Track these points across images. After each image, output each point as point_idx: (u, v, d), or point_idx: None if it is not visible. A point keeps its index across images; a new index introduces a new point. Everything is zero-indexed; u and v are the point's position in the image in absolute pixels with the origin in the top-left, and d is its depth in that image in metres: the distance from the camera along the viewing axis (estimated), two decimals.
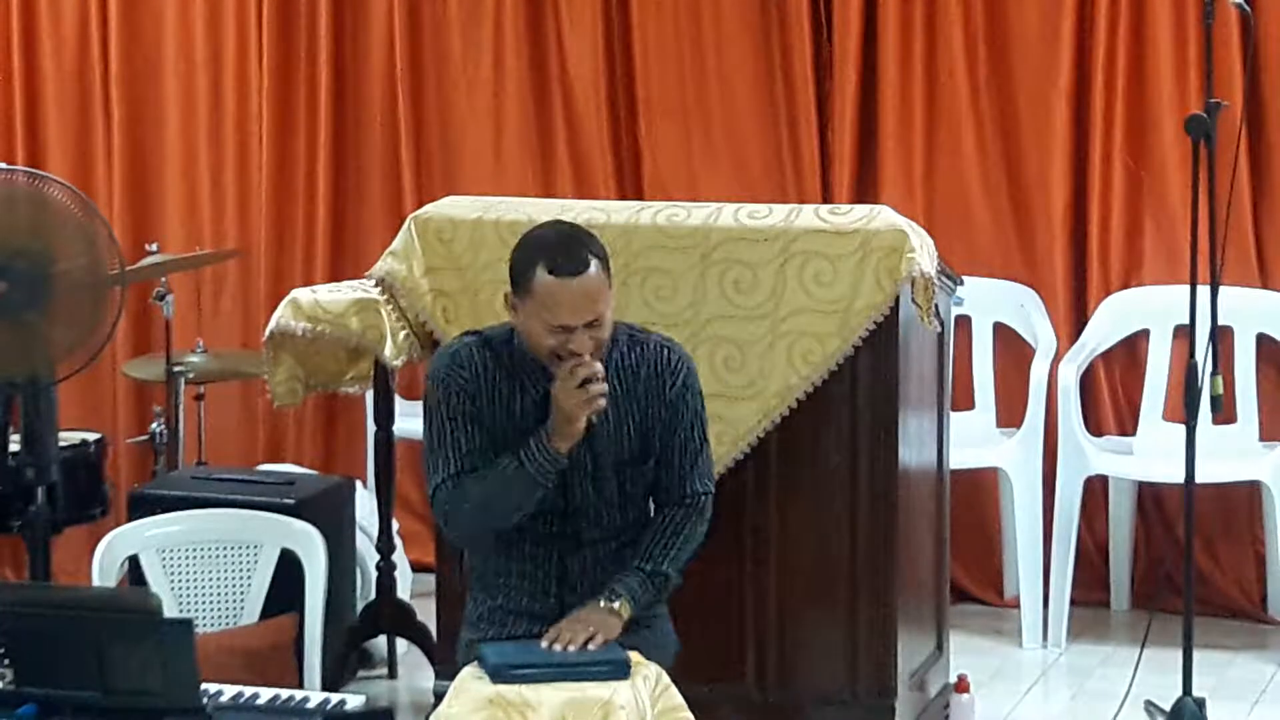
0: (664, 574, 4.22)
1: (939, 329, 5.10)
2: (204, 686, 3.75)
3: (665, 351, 4.29)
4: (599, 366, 4.12)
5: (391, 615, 5.86)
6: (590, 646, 4.05)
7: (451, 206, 5.23)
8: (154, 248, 6.66)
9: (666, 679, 4.08)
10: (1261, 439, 6.35)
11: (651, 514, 4.34)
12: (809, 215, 4.91)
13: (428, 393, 4.31)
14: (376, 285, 5.16)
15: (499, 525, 4.23)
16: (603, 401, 4.11)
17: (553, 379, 4.16)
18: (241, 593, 4.73)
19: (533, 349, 4.19)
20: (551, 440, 4.12)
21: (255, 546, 4.73)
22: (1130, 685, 5.50)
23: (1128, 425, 6.54)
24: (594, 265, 4.12)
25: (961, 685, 5.35)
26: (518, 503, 4.18)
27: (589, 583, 4.24)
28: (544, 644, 4.07)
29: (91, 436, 6.35)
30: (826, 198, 6.70)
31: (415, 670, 5.94)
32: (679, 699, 4.08)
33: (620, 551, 4.27)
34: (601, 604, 4.15)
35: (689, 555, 4.29)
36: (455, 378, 4.24)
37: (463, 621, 4.42)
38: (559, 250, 4.13)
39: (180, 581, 4.72)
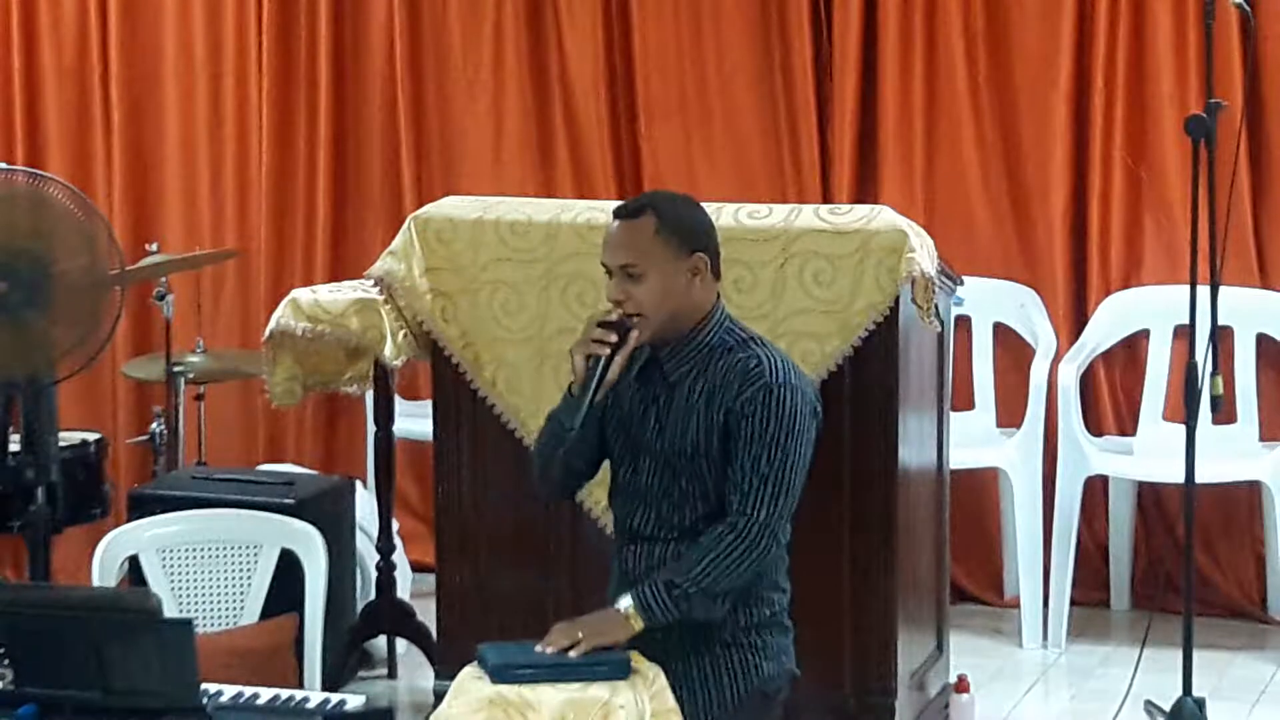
0: (682, 589, 3.96)
1: (939, 329, 5.10)
2: (204, 686, 3.75)
3: (754, 362, 4.03)
4: (610, 318, 4.04)
5: (391, 615, 5.86)
6: (571, 654, 4.01)
7: (451, 206, 5.23)
8: (154, 248, 6.66)
9: (663, 679, 4.07)
10: (1261, 439, 6.36)
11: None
12: (809, 215, 4.91)
13: None
14: (375, 285, 5.16)
15: (542, 463, 4.21)
16: (599, 347, 4.02)
17: (649, 364, 4.11)
18: (241, 593, 4.73)
19: None
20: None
21: (255, 546, 4.73)
22: (1130, 685, 5.50)
23: (1128, 425, 6.55)
24: (648, 217, 4.06)
25: (961, 685, 5.35)
26: (551, 438, 4.16)
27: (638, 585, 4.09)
28: (538, 647, 4.04)
29: (91, 436, 6.35)
30: (826, 198, 6.70)
31: (415, 670, 5.94)
32: (672, 701, 4.06)
33: (677, 556, 4.10)
34: (611, 608, 4.08)
35: (725, 581, 3.97)
36: None
37: None
38: (633, 199, 4.19)
39: (180, 581, 4.71)
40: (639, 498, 4.14)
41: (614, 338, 4.04)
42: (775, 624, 4.14)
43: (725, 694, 4.09)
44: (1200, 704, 5.30)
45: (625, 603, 4.02)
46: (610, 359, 4.05)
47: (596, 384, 4.05)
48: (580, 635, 4.00)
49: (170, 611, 4.41)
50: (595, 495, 5.00)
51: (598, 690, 3.94)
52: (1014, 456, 6.33)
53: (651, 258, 4.05)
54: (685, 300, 4.07)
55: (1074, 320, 6.62)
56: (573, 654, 3.96)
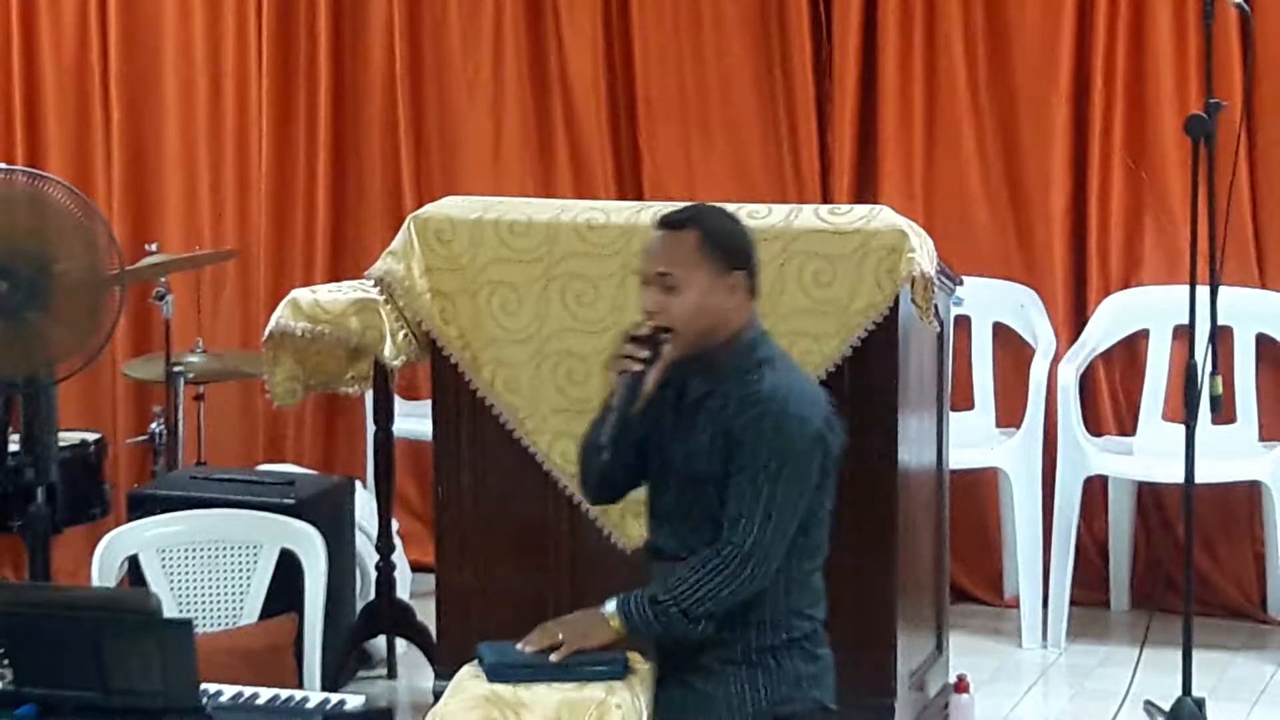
0: (663, 606, 3.94)
1: (939, 329, 5.10)
2: (204, 686, 3.75)
3: (755, 385, 3.99)
4: (642, 331, 4.02)
5: (391, 615, 5.86)
6: (552, 656, 3.99)
7: (451, 207, 5.23)
8: (154, 248, 6.66)
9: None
10: (1261, 439, 6.36)
11: None
12: (809, 215, 4.91)
13: None
14: (375, 285, 5.16)
15: (584, 470, 4.20)
16: (630, 364, 4.00)
17: (683, 377, 4.09)
18: (241, 593, 4.73)
19: None
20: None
21: (255, 546, 4.73)
22: (1130, 685, 5.50)
23: (1127, 425, 6.55)
24: (693, 230, 4.04)
25: (961, 685, 5.34)
26: (590, 448, 4.14)
27: None
28: (518, 645, 4.02)
29: (91, 436, 6.35)
30: (826, 198, 6.70)
31: (415, 670, 5.94)
32: None
33: None
34: (595, 609, 4.05)
35: (706, 605, 3.94)
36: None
37: None
38: (680, 209, 4.16)
39: (180, 581, 4.71)
40: (665, 517, 4.13)
41: (645, 353, 4.01)
42: (795, 649, 4.08)
43: (734, 711, 4.05)
44: (1200, 704, 5.30)
45: (610, 607, 4.01)
46: (643, 374, 4.02)
47: (629, 399, 4.03)
48: (560, 637, 3.99)
49: (170, 611, 4.41)
50: None
51: (594, 690, 3.94)
52: (1014, 456, 6.33)
53: (691, 271, 4.02)
54: (719, 317, 4.04)
55: (1074, 320, 6.61)
56: (553, 657, 3.96)
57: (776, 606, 4.04)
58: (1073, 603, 6.30)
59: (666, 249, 4.05)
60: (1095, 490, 6.47)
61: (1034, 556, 6.29)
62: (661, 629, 3.99)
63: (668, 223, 4.09)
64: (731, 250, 4.07)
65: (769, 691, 4.05)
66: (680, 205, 4.27)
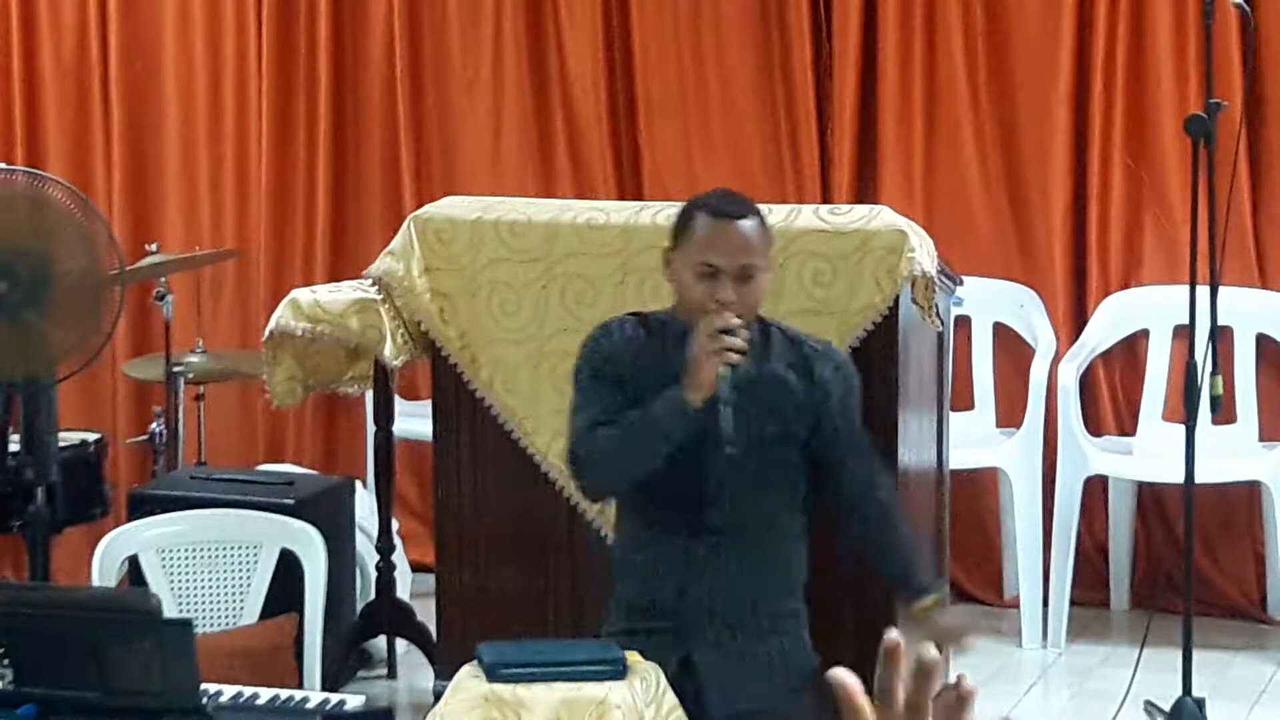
0: (940, 573, 4.31)
1: (939, 329, 5.10)
2: (204, 686, 3.75)
3: (828, 349, 4.29)
4: (738, 320, 4.03)
5: (391, 615, 5.86)
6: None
7: (451, 207, 5.23)
8: (154, 248, 6.66)
9: (663, 680, 4.07)
10: (1261, 439, 6.35)
11: (798, 512, 4.28)
12: (809, 215, 4.91)
13: (576, 363, 4.28)
14: (374, 285, 5.16)
15: (626, 474, 4.18)
16: (734, 356, 4.00)
17: None
18: (241, 593, 4.73)
19: (683, 307, 4.15)
20: (684, 390, 4.04)
21: (255, 546, 4.73)
22: (1130, 685, 5.50)
23: (1127, 425, 6.55)
24: (756, 219, 4.13)
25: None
26: (645, 448, 4.09)
27: (715, 575, 4.16)
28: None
29: (91, 436, 6.35)
30: (826, 198, 6.70)
31: (415, 670, 5.94)
32: (674, 700, 4.07)
33: (758, 545, 4.19)
34: (942, 603, 4.17)
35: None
36: (600, 343, 4.24)
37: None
38: (725, 199, 4.19)
39: (180, 581, 4.71)
40: (731, 491, 4.17)
41: (741, 344, 4.02)
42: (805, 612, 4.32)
43: (790, 672, 4.22)
44: (1200, 704, 5.30)
45: (929, 593, 4.17)
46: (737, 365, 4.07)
47: (731, 391, 4.03)
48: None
49: (170, 611, 4.41)
50: None
51: (593, 690, 3.94)
52: (1014, 456, 6.33)
53: (762, 258, 4.13)
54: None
55: (1074, 320, 6.61)
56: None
57: (803, 570, 4.27)
58: (1073, 603, 6.30)
59: (747, 239, 4.10)
60: (1095, 490, 6.47)
61: (1034, 556, 6.29)
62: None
63: (736, 213, 4.12)
64: (772, 235, 4.20)
65: (809, 652, 4.26)
66: (717, 195, 4.27)
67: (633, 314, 4.35)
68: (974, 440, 6.34)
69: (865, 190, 6.72)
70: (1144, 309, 6.47)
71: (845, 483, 4.25)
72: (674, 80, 6.91)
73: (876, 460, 4.33)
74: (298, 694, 3.96)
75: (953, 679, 1.81)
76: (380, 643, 6.00)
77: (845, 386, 4.25)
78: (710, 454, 4.12)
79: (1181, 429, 5.31)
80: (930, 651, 1.79)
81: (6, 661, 3.74)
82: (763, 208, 4.93)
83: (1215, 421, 5.94)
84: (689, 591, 4.17)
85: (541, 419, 5.07)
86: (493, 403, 5.12)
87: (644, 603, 4.23)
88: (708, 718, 4.14)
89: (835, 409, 4.22)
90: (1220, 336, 5.33)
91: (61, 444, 5.92)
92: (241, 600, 4.73)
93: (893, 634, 1.80)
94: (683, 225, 4.18)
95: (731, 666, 4.18)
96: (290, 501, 5.47)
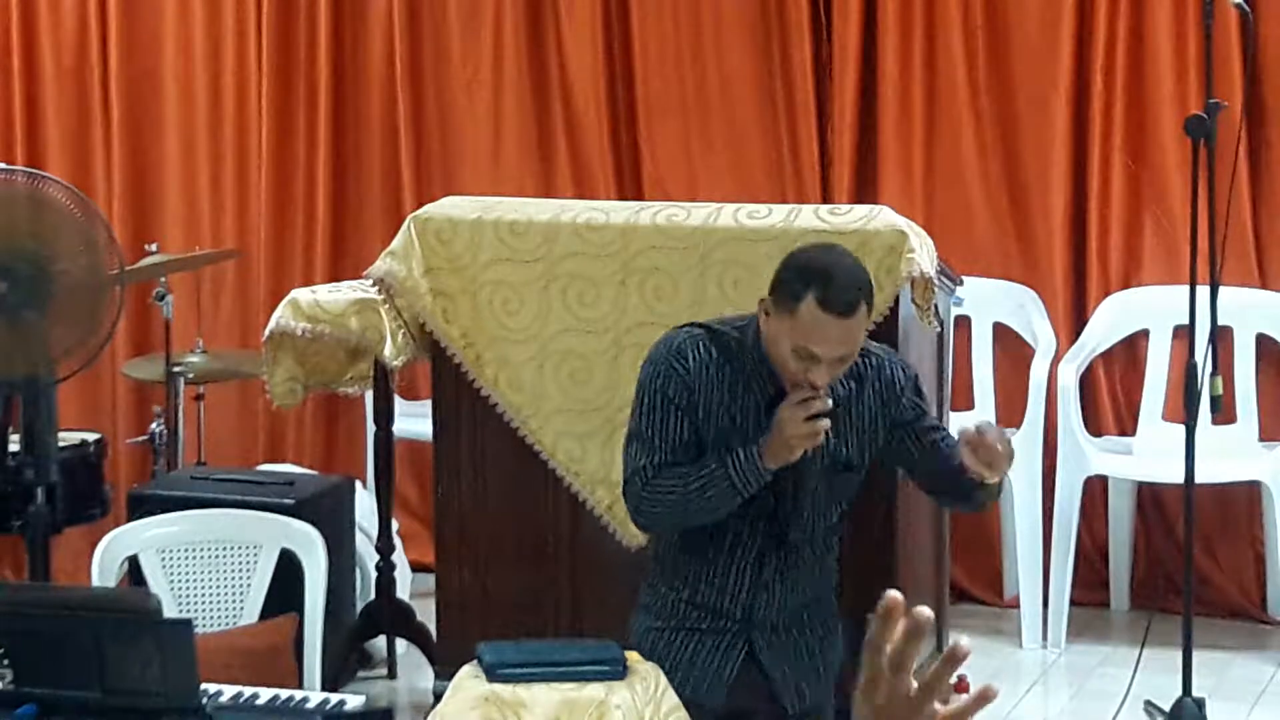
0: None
1: (939, 329, 5.09)
2: (204, 686, 3.75)
3: (881, 361, 4.23)
4: (829, 404, 4.01)
5: (391, 615, 5.86)
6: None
7: (451, 207, 5.23)
8: (154, 248, 6.67)
9: (665, 681, 4.07)
10: (1261, 439, 6.35)
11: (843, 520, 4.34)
12: (809, 215, 4.91)
13: (643, 378, 4.17)
14: (375, 285, 5.16)
15: (690, 524, 4.15)
16: (822, 439, 4.02)
17: (781, 388, 4.06)
18: (241, 593, 4.73)
19: (771, 357, 4.07)
20: (763, 457, 4.01)
21: (255, 546, 4.73)
22: (1130, 685, 5.50)
23: (1127, 425, 6.55)
24: (862, 309, 3.98)
25: (961, 685, 5.28)
26: (714, 506, 4.07)
27: (783, 584, 4.19)
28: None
29: (91, 436, 6.35)
30: (826, 198, 6.70)
31: (415, 670, 5.94)
32: (675, 699, 4.07)
33: (816, 555, 4.23)
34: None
35: None
36: (675, 368, 4.10)
37: (638, 607, 4.31)
38: (837, 285, 3.96)
39: (180, 581, 4.71)
40: (786, 516, 4.18)
41: (828, 422, 4.01)
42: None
43: (830, 667, 4.28)
44: (1200, 704, 5.30)
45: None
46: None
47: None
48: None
49: (170, 611, 4.41)
50: (599, 494, 5.01)
51: (593, 690, 3.94)
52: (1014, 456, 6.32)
53: (861, 341, 4.07)
54: None
55: (1074, 320, 6.61)
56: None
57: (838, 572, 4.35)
58: (1073, 603, 6.30)
59: (849, 334, 3.98)
60: (1095, 490, 6.47)
61: (1034, 556, 6.29)
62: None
63: (844, 310, 3.96)
64: (873, 295, 4.10)
65: (841, 651, 4.30)
66: (829, 272, 4.02)
67: (698, 327, 4.20)
68: None
69: (865, 190, 6.72)
70: (1144, 309, 6.47)
71: (940, 455, 4.25)
72: (674, 80, 6.91)
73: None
74: (298, 694, 3.96)
75: (953, 679, 1.81)
76: (380, 643, 6.00)
77: (907, 376, 4.27)
78: (798, 478, 4.15)
79: (1181, 429, 5.31)
80: (924, 611, 1.83)
81: (6, 661, 3.74)
82: (762, 208, 4.97)
83: (1215, 421, 5.94)
84: (759, 596, 4.20)
85: (546, 418, 5.07)
86: (498, 401, 5.11)
87: (711, 604, 4.21)
88: (780, 708, 4.19)
89: (908, 402, 4.25)
90: (1220, 336, 5.33)
91: (61, 444, 5.91)
92: (241, 600, 4.73)
93: (893, 593, 1.82)
94: (789, 292, 3.99)
95: (793, 663, 4.23)
96: (290, 502, 5.47)
